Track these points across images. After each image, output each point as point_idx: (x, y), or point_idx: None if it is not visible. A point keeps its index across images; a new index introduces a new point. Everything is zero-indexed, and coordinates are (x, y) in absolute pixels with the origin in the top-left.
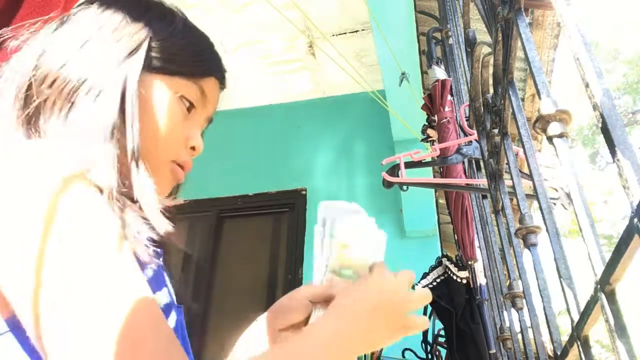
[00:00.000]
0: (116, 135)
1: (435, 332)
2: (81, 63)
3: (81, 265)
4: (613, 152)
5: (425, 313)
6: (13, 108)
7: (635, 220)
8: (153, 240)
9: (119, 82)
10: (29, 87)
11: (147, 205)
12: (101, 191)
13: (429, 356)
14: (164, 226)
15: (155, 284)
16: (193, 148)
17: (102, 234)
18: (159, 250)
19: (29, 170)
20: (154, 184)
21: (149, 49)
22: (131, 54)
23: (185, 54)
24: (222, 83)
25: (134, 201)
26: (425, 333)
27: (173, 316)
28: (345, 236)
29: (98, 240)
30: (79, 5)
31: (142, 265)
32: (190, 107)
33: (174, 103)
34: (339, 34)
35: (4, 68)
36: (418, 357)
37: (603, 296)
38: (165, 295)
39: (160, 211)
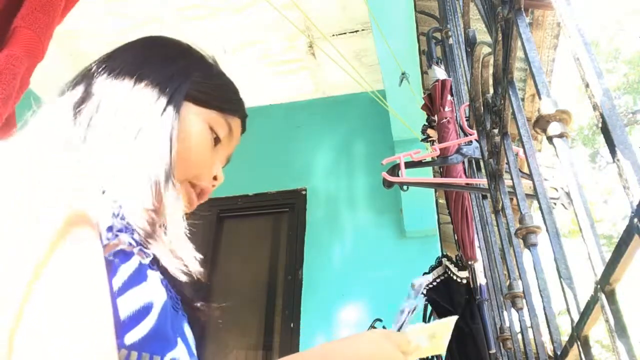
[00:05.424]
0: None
1: None
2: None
3: (61, 323)
4: (613, 152)
5: (425, 313)
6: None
7: (635, 220)
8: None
9: (168, 120)
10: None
11: (176, 234)
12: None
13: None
14: (194, 265)
15: (134, 279)
16: (215, 178)
17: (90, 294)
18: (146, 250)
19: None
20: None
21: (191, 82)
22: (176, 90)
23: (221, 92)
24: (243, 126)
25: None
26: None
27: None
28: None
29: (84, 302)
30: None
31: (125, 256)
32: (217, 140)
33: (205, 130)
34: (339, 34)
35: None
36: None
37: (603, 296)
38: (145, 291)
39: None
